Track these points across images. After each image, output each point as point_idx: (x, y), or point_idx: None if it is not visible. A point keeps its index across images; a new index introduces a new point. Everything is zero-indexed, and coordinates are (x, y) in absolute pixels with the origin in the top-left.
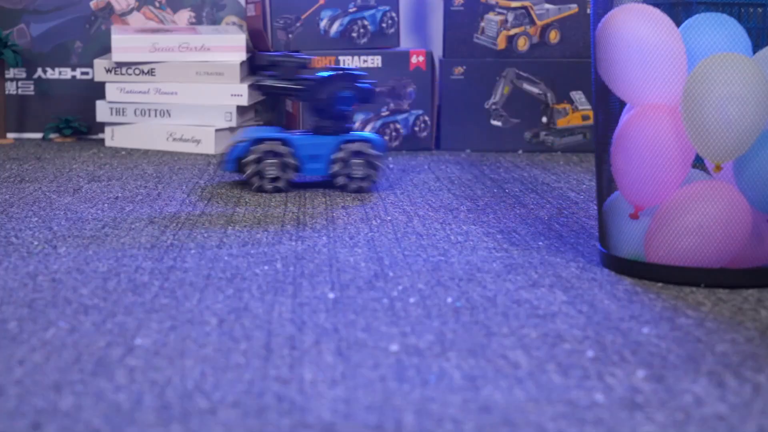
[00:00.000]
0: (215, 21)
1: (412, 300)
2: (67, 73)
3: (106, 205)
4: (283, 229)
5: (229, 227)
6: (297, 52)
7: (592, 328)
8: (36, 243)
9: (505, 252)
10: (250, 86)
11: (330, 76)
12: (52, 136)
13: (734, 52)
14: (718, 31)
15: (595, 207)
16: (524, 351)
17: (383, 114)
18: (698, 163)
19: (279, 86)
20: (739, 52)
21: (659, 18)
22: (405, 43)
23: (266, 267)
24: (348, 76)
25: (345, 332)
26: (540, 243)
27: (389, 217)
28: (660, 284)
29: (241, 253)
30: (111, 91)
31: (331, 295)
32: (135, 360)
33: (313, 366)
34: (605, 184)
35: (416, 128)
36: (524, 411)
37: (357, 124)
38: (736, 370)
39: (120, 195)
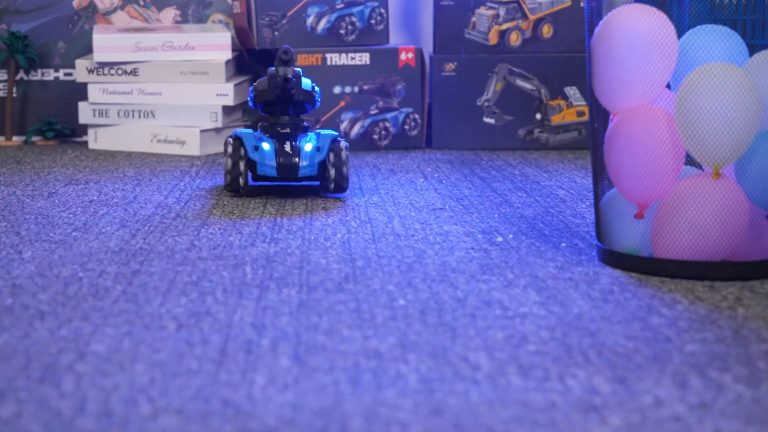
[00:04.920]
0: (201, 19)
1: (379, 302)
2: (50, 74)
3: (79, 209)
4: (258, 231)
5: (203, 230)
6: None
7: (561, 329)
8: (0, 248)
9: (484, 252)
10: None
11: (272, 70)
12: (34, 138)
13: (731, 63)
14: (717, 43)
15: (583, 205)
16: (487, 353)
17: (372, 112)
18: (690, 157)
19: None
20: (737, 63)
21: (649, 22)
22: (394, 39)
23: (235, 270)
24: (284, 63)
25: (305, 336)
26: (521, 242)
27: (369, 218)
28: (639, 283)
29: (211, 256)
30: (93, 92)
31: (296, 298)
32: (85, 366)
33: (266, 370)
34: (602, 180)
35: (406, 127)
36: (476, 414)
37: (345, 123)
38: (702, 370)
39: (95, 198)
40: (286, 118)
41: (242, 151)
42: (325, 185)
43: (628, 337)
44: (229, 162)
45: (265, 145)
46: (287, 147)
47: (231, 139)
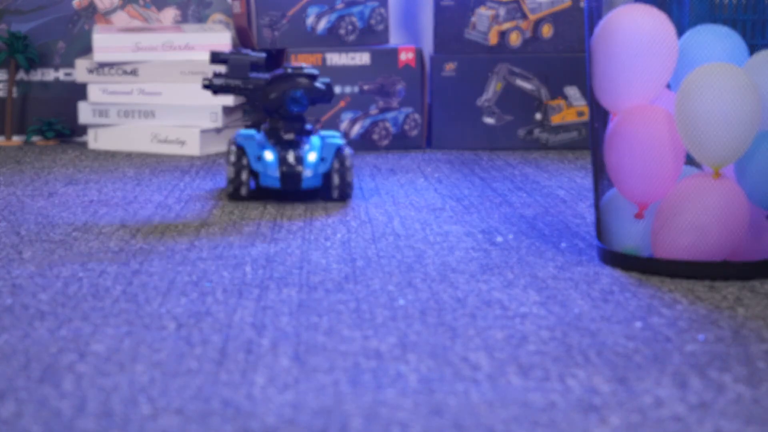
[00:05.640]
0: (201, 19)
1: (379, 302)
2: (50, 74)
3: (79, 209)
4: (258, 231)
5: (203, 230)
6: (252, 49)
7: (561, 328)
8: (0, 248)
9: (484, 252)
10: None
11: (280, 74)
12: (34, 138)
13: (731, 63)
14: (717, 43)
15: (583, 205)
16: (487, 353)
17: (372, 112)
18: (690, 157)
19: (226, 86)
20: (737, 63)
21: (649, 22)
22: (395, 39)
23: (235, 270)
24: (301, 75)
25: (305, 335)
26: (521, 242)
27: (369, 218)
28: (639, 283)
29: (211, 256)
30: (93, 92)
31: (296, 298)
32: (85, 366)
33: (266, 370)
34: (602, 180)
35: (406, 127)
36: (476, 414)
37: (345, 123)
38: (702, 370)
39: (95, 198)
40: (286, 123)
41: (244, 161)
42: (328, 192)
43: (628, 337)
44: (232, 172)
45: (268, 155)
46: (291, 157)
47: (234, 147)
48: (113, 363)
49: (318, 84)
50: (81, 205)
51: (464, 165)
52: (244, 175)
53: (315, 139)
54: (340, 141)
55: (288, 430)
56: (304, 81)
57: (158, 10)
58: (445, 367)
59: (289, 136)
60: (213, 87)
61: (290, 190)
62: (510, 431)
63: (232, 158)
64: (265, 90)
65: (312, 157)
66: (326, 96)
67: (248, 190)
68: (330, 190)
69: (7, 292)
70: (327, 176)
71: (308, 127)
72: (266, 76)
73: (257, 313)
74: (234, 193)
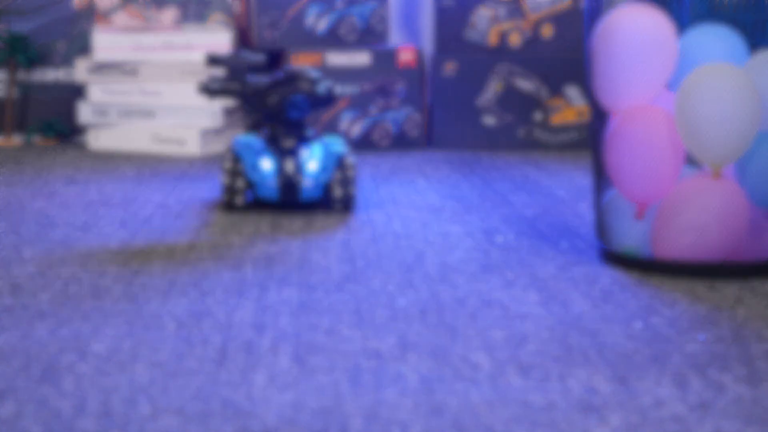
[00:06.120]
0: (201, 19)
1: (379, 302)
2: (50, 75)
3: (79, 209)
4: (258, 232)
5: (203, 230)
6: (252, 50)
7: (561, 329)
8: (0, 248)
9: (484, 252)
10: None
11: (280, 78)
12: (34, 138)
13: (731, 63)
14: (717, 43)
15: (583, 205)
16: (487, 353)
17: (372, 112)
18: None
19: (223, 91)
20: (737, 63)
21: (649, 22)
22: (395, 39)
23: (235, 270)
24: (301, 79)
25: (306, 336)
26: (521, 242)
27: (369, 218)
28: (639, 283)
29: (212, 256)
30: (93, 92)
31: (296, 298)
32: (85, 366)
33: (266, 370)
34: (602, 180)
35: (406, 127)
36: (476, 413)
37: (345, 123)
38: (702, 370)
39: (96, 198)
40: (286, 129)
41: (239, 183)
42: (329, 204)
43: (628, 337)
44: (226, 181)
45: (266, 164)
46: (289, 166)
47: (229, 158)
48: (113, 363)
49: (320, 88)
50: (81, 205)
51: (464, 165)
52: (239, 199)
53: (316, 147)
54: (343, 148)
55: (288, 430)
56: (304, 85)
57: (158, 9)
58: (445, 367)
59: (289, 144)
60: (209, 91)
61: (288, 202)
62: (510, 431)
63: (226, 181)
64: (264, 94)
65: (312, 166)
66: (328, 101)
67: (244, 200)
68: (331, 201)
69: (7, 292)
70: (328, 186)
71: (310, 133)
72: (265, 79)
73: (257, 313)
74: (228, 204)
